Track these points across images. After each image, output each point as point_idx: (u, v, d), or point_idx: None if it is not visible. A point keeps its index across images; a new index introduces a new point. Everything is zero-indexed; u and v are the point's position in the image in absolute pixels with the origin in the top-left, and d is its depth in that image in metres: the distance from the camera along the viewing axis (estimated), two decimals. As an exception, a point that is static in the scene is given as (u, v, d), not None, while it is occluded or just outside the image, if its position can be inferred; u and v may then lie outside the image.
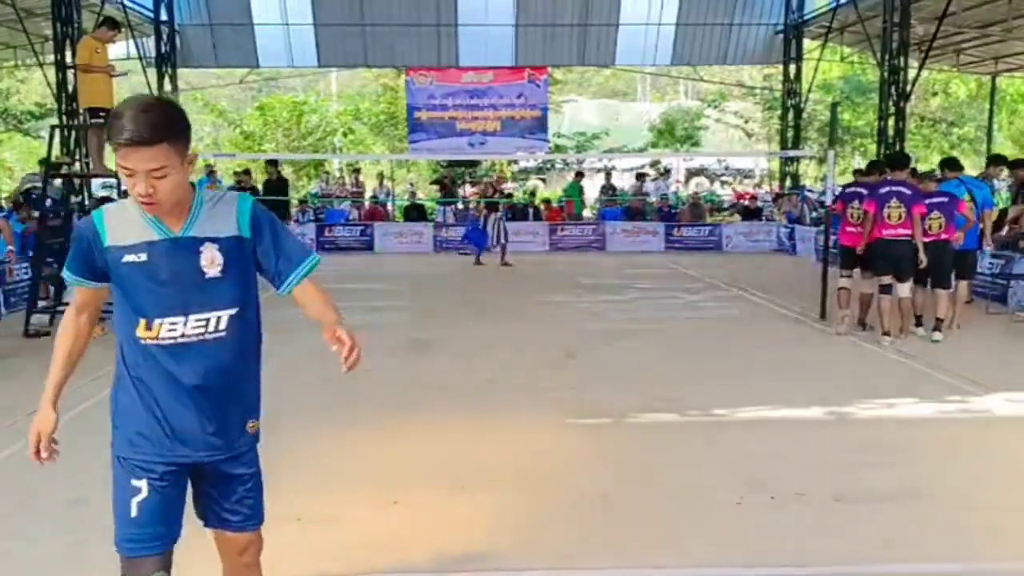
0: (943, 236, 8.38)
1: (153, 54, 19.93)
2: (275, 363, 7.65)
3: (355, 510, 4.13)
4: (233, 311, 2.30)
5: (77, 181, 12.76)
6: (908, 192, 8.29)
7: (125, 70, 9.97)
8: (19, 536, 3.89)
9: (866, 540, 3.83)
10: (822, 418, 5.83)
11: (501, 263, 15.50)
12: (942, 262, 8.39)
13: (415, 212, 20.85)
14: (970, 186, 9.30)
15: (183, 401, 2.28)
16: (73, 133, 14.77)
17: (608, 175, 23.60)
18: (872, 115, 20.94)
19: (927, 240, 8.23)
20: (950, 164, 9.69)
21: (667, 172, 24.22)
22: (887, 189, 8.34)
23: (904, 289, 8.33)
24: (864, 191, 8.68)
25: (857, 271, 8.86)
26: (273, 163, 18.08)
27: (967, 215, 8.71)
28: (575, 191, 21.14)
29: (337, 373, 2.37)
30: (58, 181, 11.25)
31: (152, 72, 19.84)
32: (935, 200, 8.46)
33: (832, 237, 9.66)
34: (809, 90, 21.37)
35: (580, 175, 22.50)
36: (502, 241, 15.78)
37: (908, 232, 8.17)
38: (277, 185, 16.96)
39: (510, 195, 22.44)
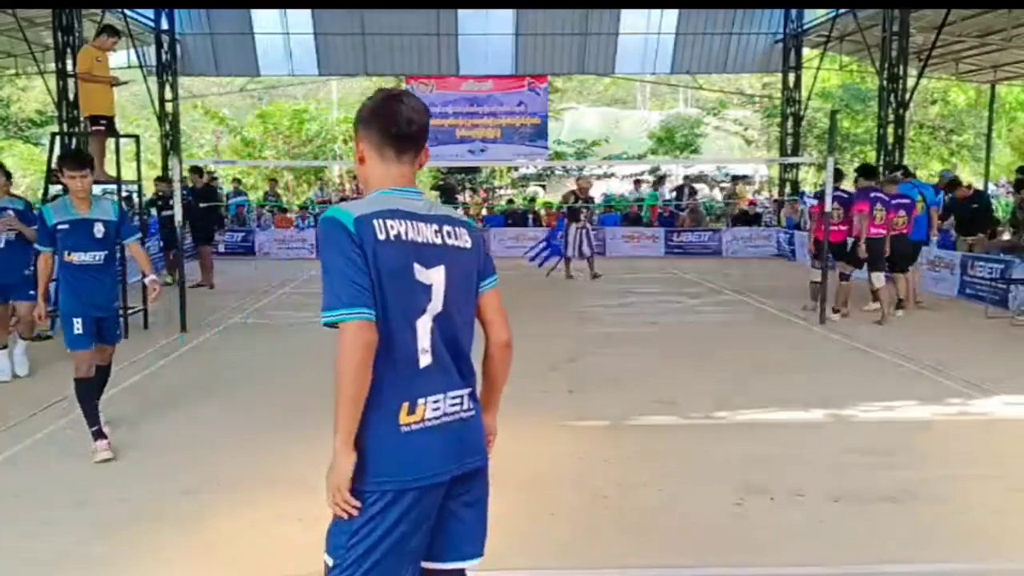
0: (904, 231, 9.92)
1: (154, 63, 20.00)
2: (281, 363, 7.69)
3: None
4: None
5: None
6: (886, 198, 9.80)
7: (127, 80, 9.99)
8: (21, 536, 3.90)
9: (865, 541, 3.84)
10: (822, 420, 5.84)
11: (591, 276, 14.06)
12: (904, 252, 10.03)
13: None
14: (921, 189, 11.13)
15: None
16: (74, 140, 14.82)
17: (638, 182, 23.77)
18: (871, 123, 20.98)
19: (894, 234, 9.86)
20: (905, 171, 11.76)
21: (662, 180, 24.24)
22: (874, 195, 9.74)
23: (882, 277, 9.80)
24: (844, 195, 10.12)
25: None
26: (197, 170, 15.87)
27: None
28: (655, 199, 21.80)
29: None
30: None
31: (153, 80, 19.91)
32: (901, 201, 10.00)
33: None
34: (808, 98, 21.42)
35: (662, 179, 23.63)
36: (586, 252, 14.15)
37: (884, 231, 9.68)
38: (204, 192, 14.88)
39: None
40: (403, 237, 2.05)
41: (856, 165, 16.60)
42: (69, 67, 14.95)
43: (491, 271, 2.28)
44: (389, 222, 2.05)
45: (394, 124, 2.12)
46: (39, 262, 5.25)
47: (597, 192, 27.36)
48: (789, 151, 20.82)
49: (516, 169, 29.71)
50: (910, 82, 16.25)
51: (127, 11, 17.58)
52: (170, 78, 20.24)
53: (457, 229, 2.18)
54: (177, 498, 4.36)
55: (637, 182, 23.55)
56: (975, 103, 28.72)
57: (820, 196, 10.05)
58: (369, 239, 2.01)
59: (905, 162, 16.78)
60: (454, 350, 2.15)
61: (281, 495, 4.33)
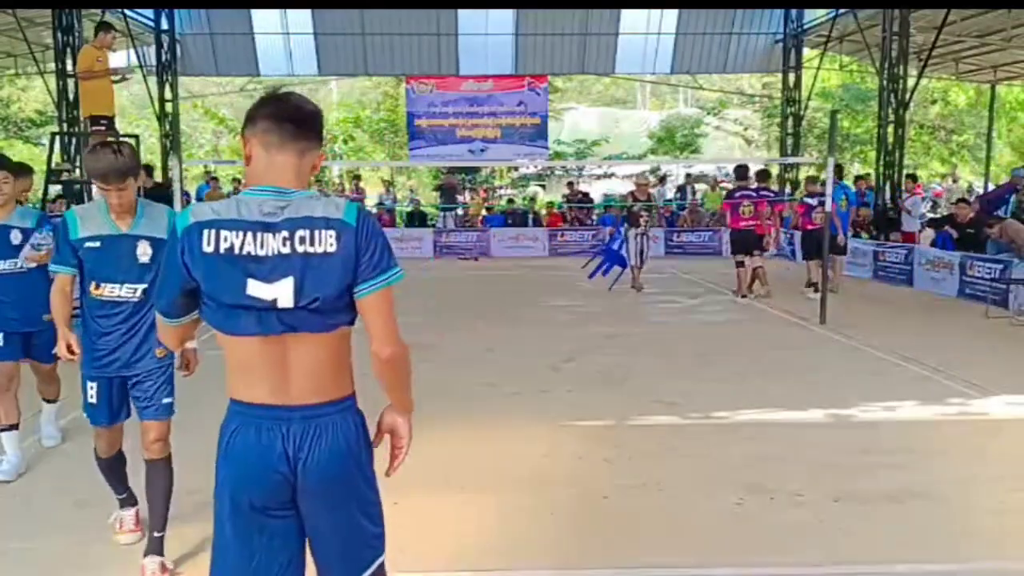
0: (819, 226, 11.22)
1: (154, 63, 20.00)
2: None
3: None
4: None
5: (76, 187, 12.80)
6: (752, 194, 11.60)
7: (130, 68, 9.94)
8: (21, 536, 3.90)
9: (865, 541, 3.84)
10: (822, 420, 5.84)
11: (632, 284, 12.79)
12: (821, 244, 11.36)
13: (416, 218, 20.96)
14: (844, 190, 12.51)
15: None
16: (73, 140, 14.82)
17: (571, 184, 23.74)
18: (871, 123, 20.97)
19: (811, 228, 11.77)
20: (837, 171, 12.74)
21: (664, 179, 24.24)
22: (740, 194, 11.59)
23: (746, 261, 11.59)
24: (753, 194, 11.61)
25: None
26: (147, 169, 15.18)
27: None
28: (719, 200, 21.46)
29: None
30: None
31: (153, 80, 19.91)
32: (821, 200, 11.25)
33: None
34: (808, 98, 21.42)
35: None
36: (642, 259, 12.84)
37: (752, 222, 11.38)
38: (154, 194, 13.11)
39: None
40: (235, 251, 1.94)
41: (857, 165, 16.76)
42: (69, 67, 14.96)
43: (377, 271, 2.01)
44: (223, 233, 1.94)
45: (284, 109, 2.02)
46: (53, 289, 3.61)
47: (597, 192, 27.32)
48: (789, 151, 20.83)
49: (516, 169, 29.70)
50: (910, 82, 16.24)
51: (127, 11, 17.57)
52: (170, 78, 20.25)
53: (318, 233, 1.96)
54: (178, 498, 4.35)
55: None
56: (975, 103, 28.72)
57: (734, 198, 11.78)
58: (195, 250, 1.95)
59: (906, 162, 16.83)
60: (303, 367, 2.02)
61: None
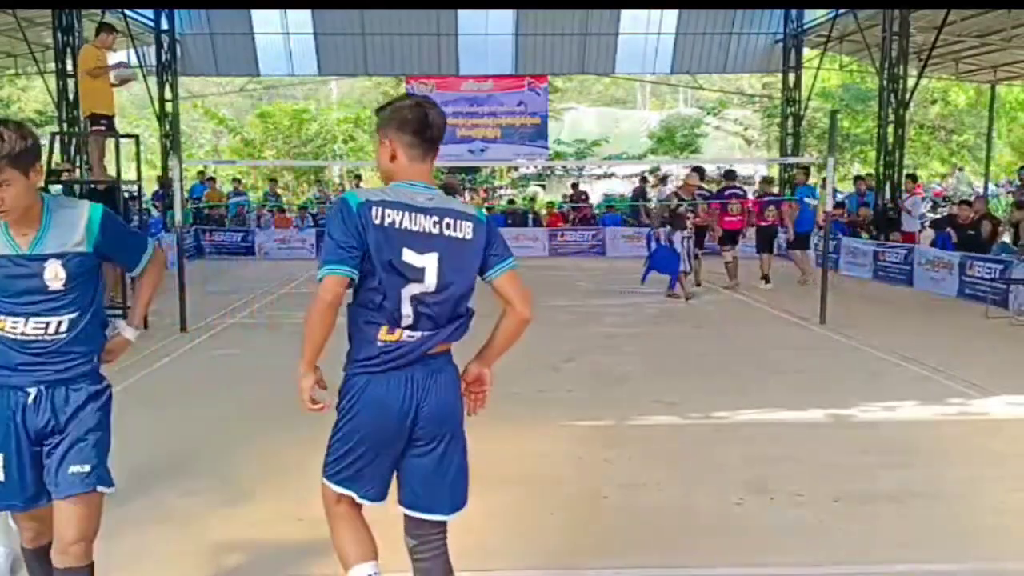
0: (774, 222, 13.26)
1: (154, 63, 19.99)
2: (281, 363, 7.69)
3: (356, 511, 4.12)
4: None
5: (77, 187, 12.79)
6: (740, 194, 13.21)
7: (132, 72, 9.93)
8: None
9: (865, 541, 3.84)
10: (822, 420, 5.84)
11: (684, 293, 11.85)
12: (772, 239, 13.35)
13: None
14: (811, 190, 13.71)
15: None
16: (73, 140, 14.82)
17: (575, 185, 23.72)
18: (871, 123, 20.97)
19: (764, 225, 13.21)
20: (806, 171, 14.65)
21: (664, 179, 24.22)
22: (730, 192, 12.96)
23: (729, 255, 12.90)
24: (707, 193, 13.00)
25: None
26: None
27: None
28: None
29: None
30: None
31: (153, 80, 19.90)
32: (777, 200, 13.70)
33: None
34: (808, 98, 21.40)
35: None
36: (688, 264, 11.91)
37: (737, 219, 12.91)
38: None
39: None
40: (396, 225, 2.41)
41: (856, 165, 16.85)
42: (69, 67, 14.97)
43: (502, 258, 2.58)
44: (387, 211, 2.41)
45: (428, 128, 2.50)
46: None
47: (597, 192, 27.31)
48: (789, 151, 20.82)
49: (516, 169, 29.73)
50: (910, 82, 16.24)
51: (127, 11, 17.56)
52: (170, 78, 20.23)
53: (460, 222, 2.49)
54: (177, 498, 4.35)
55: (643, 180, 23.54)
56: (975, 103, 28.72)
57: (723, 196, 13.00)
58: (367, 221, 2.39)
59: (906, 162, 16.84)
60: (433, 323, 2.50)
61: (281, 495, 4.33)
